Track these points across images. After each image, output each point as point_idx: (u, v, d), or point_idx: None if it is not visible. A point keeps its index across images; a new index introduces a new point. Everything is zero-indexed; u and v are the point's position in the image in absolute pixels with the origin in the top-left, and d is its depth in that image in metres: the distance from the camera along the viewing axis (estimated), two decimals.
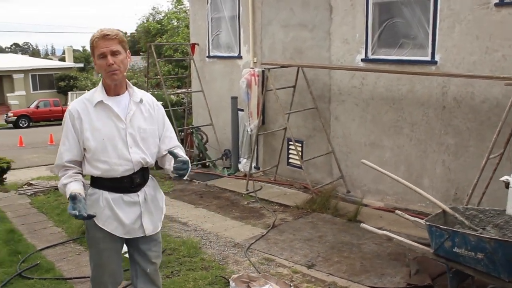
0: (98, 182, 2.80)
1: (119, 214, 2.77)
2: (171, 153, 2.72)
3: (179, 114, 12.05)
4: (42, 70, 37.98)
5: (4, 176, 11.65)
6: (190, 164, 2.75)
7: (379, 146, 7.08)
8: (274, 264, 4.90)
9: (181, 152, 2.90)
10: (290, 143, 8.46)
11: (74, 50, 47.72)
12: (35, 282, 4.42)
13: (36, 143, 22.55)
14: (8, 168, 11.69)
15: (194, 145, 10.89)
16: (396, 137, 6.84)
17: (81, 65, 37.77)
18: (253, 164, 9.44)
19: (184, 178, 2.75)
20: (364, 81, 7.11)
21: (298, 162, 8.38)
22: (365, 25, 6.93)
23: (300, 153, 7.74)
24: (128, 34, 55.42)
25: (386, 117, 6.91)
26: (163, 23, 24.57)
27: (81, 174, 2.81)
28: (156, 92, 13.79)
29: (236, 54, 9.42)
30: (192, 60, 10.22)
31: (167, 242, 5.37)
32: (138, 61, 25.85)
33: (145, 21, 30.00)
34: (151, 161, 2.86)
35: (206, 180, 8.93)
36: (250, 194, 7.73)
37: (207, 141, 10.27)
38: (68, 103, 24.73)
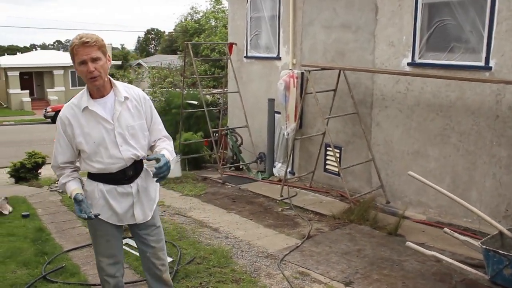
0: (93, 176, 3.00)
1: (113, 204, 2.98)
2: (154, 159, 2.82)
3: (214, 115, 11.86)
4: None
5: (39, 171, 11.75)
6: (169, 165, 2.85)
7: (423, 156, 6.67)
8: (309, 279, 4.59)
9: (167, 146, 3.07)
10: (328, 148, 8.13)
11: (113, 48, 48.42)
12: (59, 286, 4.25)
13: None
14: (43, 163, 11.78)
15: (228, 146, 10.67)
16: (443, 146, 6.42)
17: (119, 63, 38.22)
18: (288, 169, 9.15)
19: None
20: (409, 87, 6.71)
21: (336, 169, 8.05)
22: (413, 27, 6.54)
23: (338, 160, 7.38)
24: (166, 33, 56.11)
25: (432, 125, 6.50)
26: (201, 23, 24.52)
27: (77, 170, 3.04)
28: (191, 92, 13.65)
29: (274, 55, 9.15)
30: (229, 60, 9.99)
31: (196, 249, 5.14)
32: (174, 60, 25.86)
33: (183, 21, 30.04)
34: (142, 154, 3.01)
35: (240, 183, 8.68)
36: (285, 200, 7.44)
37: (241, 143, 10.03)
38: None
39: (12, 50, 54.42)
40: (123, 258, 3.28)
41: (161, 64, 20.82)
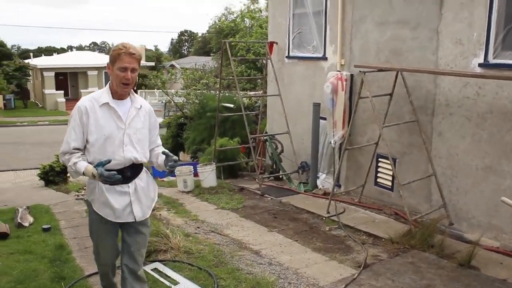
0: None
1: (111, 201, 3.22)
2: (164, 153, 3.35)
3: (250, 119, 11.12)
4: None
5: (68, 174, 11.27)
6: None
7: (496, 171, 5.76)
8: None
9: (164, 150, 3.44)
10: (380, 160, 7.28)
11: (146, 49, 48.40)
12: None
13: None
14: None
15: (267, 154, 9.92)
16: None
17: (152, 64, 38.00)
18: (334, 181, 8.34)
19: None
20: (480, 91, 5.82)
21: (388, 183, 7.22)
22: (487, 22, 5.64)
23: (394, 173, 6.53)
24: (200, 35, 55.85)
25: (509, 136, 5.59)
26: (236, 22, 23.88)
27: (84, 154, 3.23)
28: (227, 94, 12.97)
29: (320, 55, 8.35)
30: (269, 61, 9.24)
31: (236, 280, 4.40)
32: (208, 62, 25.32)
33: (217, 22, 29.50)
34: (142, 159, 3.32)
35: (280, 196, 7.92)
36: (332, 217, 6.64)
37: (282, 151, 9.25)
38: None
39: (49, 51, 55.10)
40: (118, 249, 3.51)
41: (195, 65, 20.26)
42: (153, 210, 6.92)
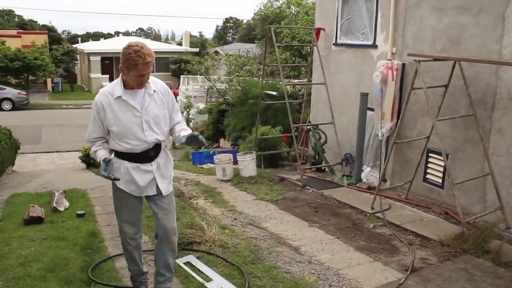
0: (120, 154, 3.44)
1: (136, 179, 3.44)
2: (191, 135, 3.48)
3: (293, 108, 10.77)
4: (158, 53, 38.86)
5: None
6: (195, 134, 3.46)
7: None
8: None
9: (184, 127, 3.68)
10: (430, 155, 6.84)
11: (191, 36, 48.57)
12: None
13: None
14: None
15: (310, 144, 9.59)
16: None
17: (196, 49, 38.07)
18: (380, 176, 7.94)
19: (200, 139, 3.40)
20: None
21: (438, 180, 6.78)
22: None
23: (447, 171, 6.09)
24: (245, 22, 55.50)
25: None
26: (281, 9, 23.45)
27: (106, 142, 3.49)
28: (270, 81, 12.66)
29: (370, 43, 7.91)
30: (315, 48, 8.86)
31: (273, 279, 4.13)
32: (252, 48, 25.02)
33: (262, 8, 29.11)
34: (163, 138, 3.50)
35: (322, 188, 7.60)
36: (377, 214, 6.27)
37: (325, 141, 8.89)
38: (181, 87, 24.71)
39: (97, 36, 56.09)
40: (141, 224, 3.73)
41: (239, 51, 20.00)
42: (190, 198, 6.78)
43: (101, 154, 3.37)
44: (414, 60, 5.62)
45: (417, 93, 6.93)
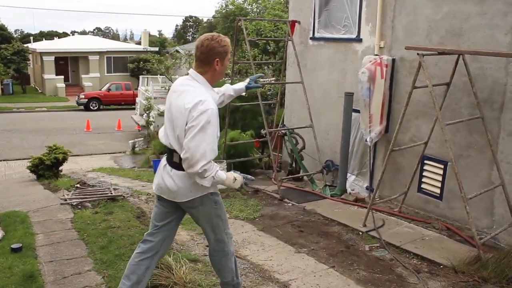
0: None
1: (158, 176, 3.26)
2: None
3: (264, 110, 9.86)
4: (117, 52, 37.41)
5: (60, 168, 10.11)
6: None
7: None
8: None
9: None
10: (426, 162, 6.06)
11: (150, 35, 46.97)
12: None
13: (104, 128, 21.34)
14: (64, 160, 10.13)
15: (284, 149, 8.68)
16: None
17: (156, 49, 36.57)
18: (365, 184, 7.12)
19: None
20: None
21: (436, 190, 6.02)
22: None
23: (459, 184, 5.29)
24: (205, 20, 54.21)
25: None
26: (243, 6, 22.49)
27: None
28: (237, 81, 11.68)
29: (353, 36, 7.07)
30: (290, 43, 7.96)
31: None
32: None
33: (223, 6, 28.10)
34: None
35: (303, 201, 6.71)
36: (370, 232, 5.43)
37: (303, 147, 8.00)
38: (140, 87, 23.38)
39: (51, 35, 53.56)
40: (165, 229, 3.28)
41: None
42: None
43: (222, 172, 3.01)
44: (418, 53, 4.79)
45: (432, 92, 6.14)
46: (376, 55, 6.46)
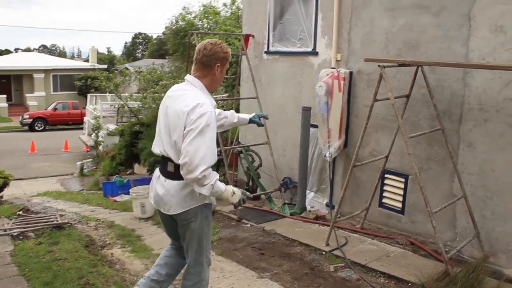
0: None
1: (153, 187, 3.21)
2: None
3: None
4: (63, 70, 36.23)
5: (0, 194, 9.47)
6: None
7: None
8: None
9: None
10: (387, 176, 5.94)
11: (98, 52, 45.92)
12: None
13: (50, 150, 20.41)
14: (5, 185, 9.51)
15: (240, 167, 8.42)
16: None
17: (105, 66, 35.67)
18: (325, 201, 6.94)
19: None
20: None
21: (398, 204, 5.91)
22: None
23: (424, 198, 5.18)
24: (155, 36, 53.52)
25: None
26: (193, 22, 22.20)
27: None
28: None
29: (309, 49, 6.93)
30: (245, 57, 7.75)
31: None
32: (164, 64, 23.54)
33: (173, 22, 27.72)
34: None
35: (261, 221, 6.44)
36: (334, 252, 5.22)
37: (260, 165, 7.76)
38: (88, 106, 22.58)
39: None
40: (175, 240, 3.28)
41: (153, 63, 18.48)
42: (102, 247, 5.34)
43: (224, 186, 2.91)
44: (379, 65, 4.66)
45: (367, 105, 6.00)
46: (333, 68, 6.34)
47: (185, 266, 3.19)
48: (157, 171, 3.11)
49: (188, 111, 2.78)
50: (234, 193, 2.97)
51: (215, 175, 2.83)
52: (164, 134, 2.96)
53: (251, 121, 3.65)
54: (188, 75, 3.07)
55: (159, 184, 3.04)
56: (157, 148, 3.05)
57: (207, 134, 2.77)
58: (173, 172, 2.94)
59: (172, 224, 3.17)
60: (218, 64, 2.97)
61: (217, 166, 9.31)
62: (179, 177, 2.87)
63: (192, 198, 2.93)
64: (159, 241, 5.63)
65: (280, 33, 7.46)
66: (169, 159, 2.95)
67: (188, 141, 2.75)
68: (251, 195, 3.13)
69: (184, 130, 2.79)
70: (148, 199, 6.68)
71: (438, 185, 5.41)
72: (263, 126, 3.69)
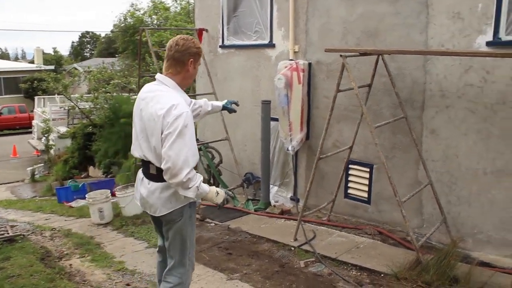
0: None
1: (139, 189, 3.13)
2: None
3: None
4: (7, 72, 34.60)
5: None
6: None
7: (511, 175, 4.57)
8: None
9: None
10: (351, 166, 5.90)
11: (44, 53, 44.21)
12: None
13: None
14: None
15: (200, 165, 8.20)
16: None
17: (52, 67, 34.36)
18: (289, 195, 6.84)
19: None
20: (489, 77, 4.59)
21: (364, 194, 5.88)
22: None
23: (392, 188, 5.14)
24: (103, 35, 52.02)
25: None
26: (143, 19, 21.69)
27: None
28: None
29: (266, 42, 6.79)
30: None
31: None
32: (115, 63, 22.88)
33: (122, 19, 27.02)
34: None
35: (226, 219, 6.28)
36: (303, 246, 5.12)
37: (220, 161, 7.58)
38: (36, 109, 21.68)
39: None
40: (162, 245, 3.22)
41: (103, 62, 17.88)
42: (60, 259, 5.03)
43: (208, 187, 2.92)
44: (341, 55, 4.57)
45: (328, 97, 5.97)
46: (291, 60, 6.22)
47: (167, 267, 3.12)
48: (140, 173, 3.06)
49: (163, 114, 2.68)
50: (218, 193, 2.96)
51: (199, 177, 2.80)
52: (141, 139, 2.88)
53: (224, 107, 3.65)
54: (158, 74, 2.96)
55: (143, 186, 2.99)
56: (136, 152, 2.99)
57: (186, 135, 2.69)
58: (155, 174, 2.89)
59: (160, 225, 3.12)
60: (191, 59, 2.89)
61: None
62: (162, 179, 2.81)
63: (177, 199, 2.89)
64: (120, 247, 5.38)
65: (235, 26, 7.28)
66: (150, 162, 2.89)
67: (168, 146, 2.67)
68: (234, 194, 3.14)
69: (161, 134, 2.71)
70: (106, 203, 6.44)
71: (403, 173, 5.40)
72: (235, 112, 3.72)
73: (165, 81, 2.89)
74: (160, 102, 2.76)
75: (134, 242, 5.55)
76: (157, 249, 3.37)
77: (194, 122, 2.97)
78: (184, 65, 2.89)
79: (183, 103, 2.77)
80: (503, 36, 4.45)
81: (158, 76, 2.95)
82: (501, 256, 4.72)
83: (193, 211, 3.07)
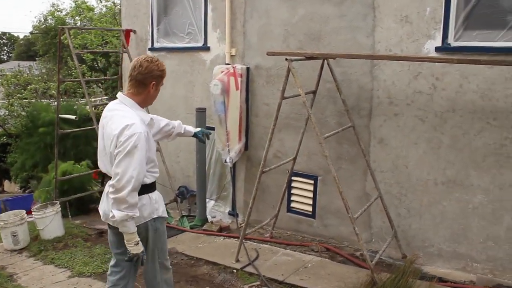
0: (146, 188, 2.91)
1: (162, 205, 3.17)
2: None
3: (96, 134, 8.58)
4: None
5: None
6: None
7: (462, 186, 4.40)
8: None
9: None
10: (294, 178, 5.53)
11: None
12: None
13: None
14: None
15: None
16: (498, 171, 4.21)
17: None
18: (227, 209, 6.38)
19: None
20: (438, 83, 4.38)
21: (308, 208, 5.55)
22: None
23: (344, 204, 4.81)
24: (21, 37, 49.02)
25: (480, 140, 4.24)
26: (64, 20, 20.40)
27: None
28: (65, 102, 10.18)
29: (199, 44, 6.28)
30: (126, 55, 6.89)
31: None
32: (34, 66, 21.40)
33: (42, 20, 25.39)
34: None
35: None
36: (246, 268, 4.68)
37: None
38: None
39: None
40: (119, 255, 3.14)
41: (18, 65, 16.55)
42: None
43: (135, 229, 2.83)
44: (286, 59, 4.18)
45: (268, 104, 5.60)
46: (228, 64, 5.77)
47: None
48: (107, 187, 2.99)
49: (117, 134, 2.73)
50: (137, 244, 2.84)
51: (136, 213, 2.77)
52: (103, 157, 2.95)
53: (195, 135, 3.63)
54: (119, 93, 2.96)
55: (108, 200, 2.90)
56: (102, 166, 3.02)
57: (135, 156, 2.71)
58: None
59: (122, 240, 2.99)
60: (154, 82, 2.89)
61: (102, 179, 8.41)
62: None
63: (140, 215, 2.87)
64: (38, 278, 4.68)
65: (166, 28, 6.72)
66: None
67: (116, 163, 2.72)
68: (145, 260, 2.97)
69: (115, 152, 2.76)
70: (20, 226, 5.67)
71: (350, 185, 5.10)
72: (204, 144, 3.68)
73: (125, 101, 2.89)
74: (115, 122, 2.78)
75: (55, 271, 4.85)
76: (110, 267, 3.25)
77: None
78: (145, 87, 2.89)
79: (138, 124, 2.77)
80: (452, 41, 4.26)
81: (119, 95, 2.95)
82: (453, 269, 4.54)
83: (160, 224, 3.08)
